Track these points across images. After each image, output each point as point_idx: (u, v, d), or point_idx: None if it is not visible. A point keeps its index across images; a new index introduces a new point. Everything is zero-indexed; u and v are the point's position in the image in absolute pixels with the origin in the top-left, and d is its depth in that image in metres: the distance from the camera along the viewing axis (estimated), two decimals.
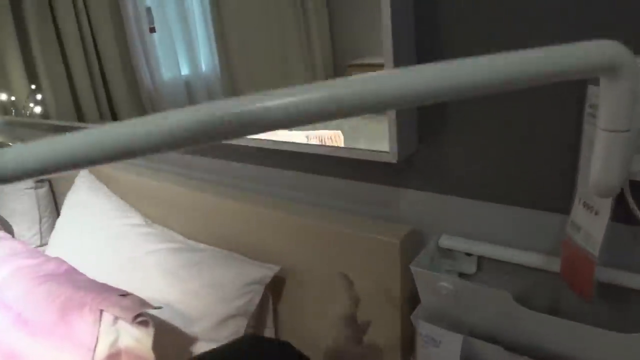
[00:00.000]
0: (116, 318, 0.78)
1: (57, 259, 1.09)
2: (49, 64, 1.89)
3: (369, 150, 0.80)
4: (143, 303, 0.80)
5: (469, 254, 0.66)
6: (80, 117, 1.87)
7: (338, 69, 1.45)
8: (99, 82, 1.79)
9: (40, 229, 1.55)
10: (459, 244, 0.67)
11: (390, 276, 0.74)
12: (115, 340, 0.76)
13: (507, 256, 0.62)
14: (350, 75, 1.01)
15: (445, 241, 0.68)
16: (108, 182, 1.45)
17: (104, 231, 1.22)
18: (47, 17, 1.82)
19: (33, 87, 1.95)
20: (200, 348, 0.83)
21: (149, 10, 1.72)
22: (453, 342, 0.60)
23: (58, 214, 1.64)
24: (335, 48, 1.44)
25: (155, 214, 1.33)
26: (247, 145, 1.08)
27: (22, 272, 1.05)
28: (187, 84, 1.73)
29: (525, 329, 0.58)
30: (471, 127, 0.64)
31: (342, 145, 1.08)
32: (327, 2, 1.42)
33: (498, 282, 0.63)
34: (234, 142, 1.08)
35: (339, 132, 1.11)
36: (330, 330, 0.89)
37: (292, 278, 0.94)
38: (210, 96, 1.71)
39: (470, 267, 0.66)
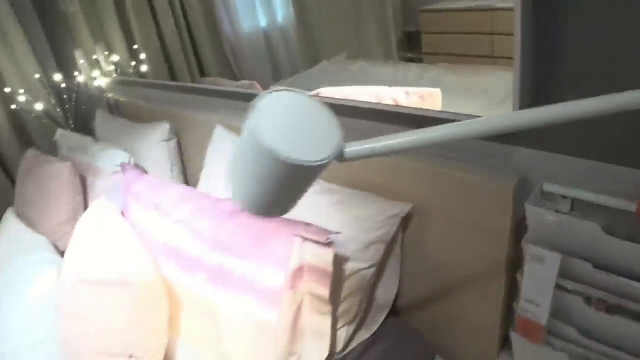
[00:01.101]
0: (304, 240, 1.02)
1: (228, 199, 1.27)
2: (142, 23, 2.06)
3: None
4: (326, 230, 1.03)
5: (565, 197, 0.87)
6: (172, 71, 2.07)
7: (409, 14, 1.55)
8: (187, 38, 1.96)
9: (171, 175, 1.79)
10: (558, 189, 0.89)
11: (504, 212, 0.96)
12: (302, 257, 1.01)
13: (594, 199, 0.82)
14: (426, 20, 1.25)
15: (548, 187, 0.90)
16: None
17: None
18: None
19: (135, 47, 2.14)
20: (350, 265, 1.09)
21: None
22: (553, 259, 0.81)
23: (182, 163, 1.91)
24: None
25: None
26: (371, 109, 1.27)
27: (203, 209, 1.26)
28: (266, 35, 1.87)
29: (609, 253, 0.79)
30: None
31: (440, 103, 1.26)
32: None
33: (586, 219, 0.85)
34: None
35: (439, 91, 1.27)
36: (450, 255, 1.14)
37: (419, 215, 1.15)
38: (287, 42, 1.85)
39: (566, 207, 0.87)
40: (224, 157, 1.51)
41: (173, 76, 2.07)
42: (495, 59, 1.36)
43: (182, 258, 1.24)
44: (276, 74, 1.87)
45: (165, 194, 1.40)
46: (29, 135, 2.57)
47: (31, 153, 1.91)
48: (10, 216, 1.71)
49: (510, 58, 1.35)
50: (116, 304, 1.14)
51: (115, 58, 2.22)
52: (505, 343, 1.11)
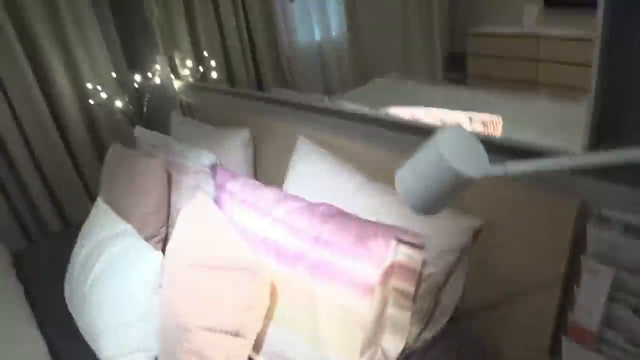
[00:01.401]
0: (398, 243, 1.14)
1: (323, 203, 1.37)
2: (208, 28, 2.24)
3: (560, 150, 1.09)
4: (419, 234, 1.15)
5: (619, 220, 0.97)
6: (230, 77, 2.22)
7: (456, 35, 1.58)
8: (247, 48, 2.11)
9: None
10: (614, 214, 0.98)
11: (565, 231, 1.08)
12: (394, 257, 1.13)
13: None
14: (473, 43, 1.32)
15: (606, 212, 0.99)
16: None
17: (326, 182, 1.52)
18: None
19: (205, 53, 2.31)
20: (428, 269, 1.19)
21: None
22: (607, 273, 0.92)
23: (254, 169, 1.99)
24: (454, 15, 1.57)
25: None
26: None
27: (301, 210, 1.36)
28: (320, 47, 1.97)
29: None
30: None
31: (500, 130, 1.32)
32: None
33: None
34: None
35: (499, 118, 1.32)
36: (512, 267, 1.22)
37: (487, 229, 1.24)
38: (339, 56, 1.93)
39: (620, 229, 0.97)
40: (308, 167, 1.59)
41: (231, 82, 2.21)
42: (538, 85, 1.38)
43: (282, 252, 1.33)
44: (327, 86, 1.96)
45: (260, 194, 1.49)
46: (97, 129, 2.84)
47: (117, 147, 2.05)
48: (101, 204, 1.84)
49: (553, 85, 1.37)
50: (231, 286, 1.27)
51: (189, 63, 2.40)
52: (554, 348, 1.19)
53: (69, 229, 2.34)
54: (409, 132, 1.43)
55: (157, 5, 2.35)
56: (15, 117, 2.50)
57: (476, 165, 0.67)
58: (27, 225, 2.64)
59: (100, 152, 2.88)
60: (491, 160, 0.69)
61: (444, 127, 0.72)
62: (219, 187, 1.61)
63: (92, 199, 2.84)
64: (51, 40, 2.54)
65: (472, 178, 0.66)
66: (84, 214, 2.62)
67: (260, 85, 2.12)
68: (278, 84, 2.05)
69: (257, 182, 1.60)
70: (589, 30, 0.97)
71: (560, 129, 1.28)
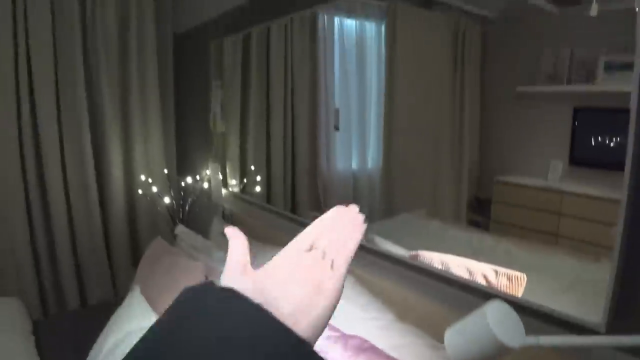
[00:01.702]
0: None
1: (356, 336, 1.37)
2: (258, 149, 2.44)
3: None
4: None
5: None
6: (269, 195, 2.36)
7: (483, 181, 1.63)
8: (289, 169, 2.26)
9: None
10: None
11: None
12: None
13: None
14: (498, 190, 1.37)
15: None
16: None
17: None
18: (262, 115, 2.38)
19: (252, 167, 2.48)
20: None
21: (337, 111, 2.12)
22: None
23: None
24: (483, 162, 1.63)
25: None
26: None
27: (333, 339, 1.37)
28: (354, 176, 2.08)
29: None
30: None
31: (523, 286, 1.30)
32: (480, 121, 1.62)
33: None
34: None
35: (524, 275, 1.31)
36: None
37: None
38: (371, 187, 2.02)
39: None
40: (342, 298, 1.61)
41: (268, 197, 2.34)
42: (559, 238, 1.38)
43: None
44: None
45: None
46: (136, 219, 2.99)
47: (160, 241, 2.15)
48: (137, 294, 1.87)
49: (574, 240, 1.36)
50: None
51: (236, 174, 2.57)
52: None
53: (88, 308, 2.41)
54: (439, 280, 1.44)
55: (219, 118, 2.60)
56: (67, 195, 2.68)
57: (515, 336, 0.77)
58: (47, 297, 2.70)
59: (133, 240, 3.00)
60: (526, 329, 0.78)
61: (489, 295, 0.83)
62: None
63: (115, 284, 2.93)
64: (117, 131, 2.81)
65: (512, 348, 0.75)
66: (103, 296, 2.69)
67: (294, 205, 2.22)
68: (311, 206, 2.15)
69: None
70: (611, 190, 1.00)
71: (580, 285, 1.24)
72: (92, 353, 1.72)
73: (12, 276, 2.56)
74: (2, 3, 2.35)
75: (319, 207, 2.11)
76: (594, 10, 1.24)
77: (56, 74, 2.55)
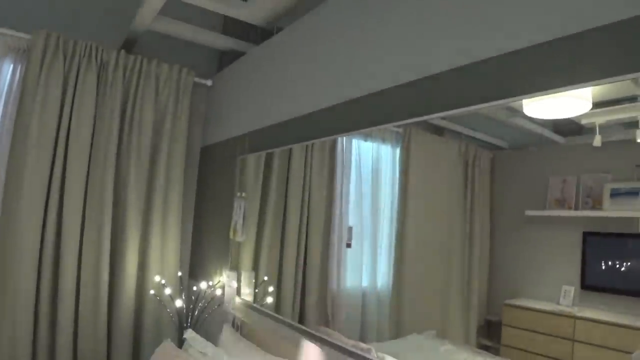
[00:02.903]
0: None
1: None
2: (272, 260, 2.46)
3: None
4: None
5: None
6: (278, 305, 2.33)
7: (493, 304, 1.60)
8: (300, 283, 2.25)
9: None
10: None
11: None
12: None
13: None
14: (508, 313, 1.36)
15: None
16: None
17: None
18: (278, 228, 2.44)
19: (265, 278, 2.48)
20: None
21: (350, 229, 2.17)
22: None
23: None
24: (493, 285, 1.61)
25: None
26: None
27: None
28: (364, 293, 2.05)
29: None
30: None
31: None
32: (490, 244, 1.64)
33: None
34: None
35: None
36: None
37: None
38: (380, 305, 1.98)
39: None
40: None
41: (278, 309, 2.29)
42: None
43: None
44: (364, 332, 1.96)
45: None
46: (141, 319, 2.93)
47: (169, 345, 2.12)
48: None
49: None
50: None
51: (250, 284, 2.56)
52: None
53: None
54: None
55: (240, 228, 2.66)
56: (78, 290, 2.69)
57: None
58: None
59: (135, 341, 2.93)
60: None
61: None
62: None
63: None
64: (137, 229, 2.88)
65: None
66: None
67: (301, 319, 2.17)
68: (320, 320, 2.10)
69: None
70: (624, 316, 0.99)
71: None
72: None
73: None
74: (53, 97, 2.60)
75: (327, 323, 2.06)
76: (597, 142, 1.32)
77: (88, 167, 2.72)
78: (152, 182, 2.96)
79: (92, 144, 2.74)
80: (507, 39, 1.36)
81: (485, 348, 1.57)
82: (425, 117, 1.63)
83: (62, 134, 2.63)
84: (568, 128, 1.42)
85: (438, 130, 1.82)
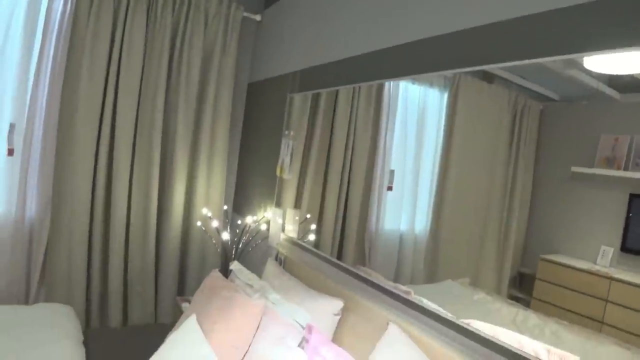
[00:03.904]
0: None
1: None
2: (314, 200, 2.53)
3: None
4: None
5: None
6: (318, 242, 2.41)
7: (528, 257, 1.61)
8: (340, 222, 2.32)
9: None
10: None
11: None
12: None
13: None
14: (543, 268, 1.35)
15: None
16: None
17: None
18: (322, 168, 2.49)
19: (308, 216, 2.55)
20: None
21: (392, 172, 2.18)
22: None
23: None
24: (530, 238, 1.61)
25: None
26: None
27: None
28: (402, 237, 2.10)
29: None
30: None
31: None
32: (531, 197, 1.62)
33: None
34: None
35: (577, 358, 1.23)
36: None
37: None
38: (417, 249, 2.03)
39: None
40: (396, 354, 1.60)
41: (317, 246, 2.38)
42: (603, 325, 1.34)
43: None
44: (398, 274, 2.03)
45: None
46: (187, 250, 3.11)
47: (217, 274, 2.22)
48: (194, 322, 1.91)
49: (619, 329, 1.31)
50: None
51: (294, 220, 2.66)
52: None
53: (129, 327, 2.52)
54: (494, 349, 1.41)
55: (287, 166, 2.72)
56: (128, 218, 2.86)
57: None
58: (91, 310, 2.83)
59: (181, 270, 3.12)
60: None
61: None
62: (313, 348, 1.67)
63: (157, 308, 3.03)
64: (184, 162, 3.00)
65: None
66: (143, 318, 2.77)
67: (339, 256, 2.26)
68: (357, 260, 2.18)
69: (348, 354, 1.65)
70: None
71: None
72: None
73: (64, 287, 2.72)
74: (103, 31, 2.66)
75: (364, 263, 2.14)
76: None
77: (139, 101, 2.82)
78: (199, 116, 3.03)
79: (142, 79, 2.81)
80: None
81: (516, 299, 1.60)
82: (484, 67, 1.54)
83: (113, 68, 2.70)
84: (625, 83, 1.34)
85: (488, 77, 1.76)
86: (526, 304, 1.55)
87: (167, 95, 2.92)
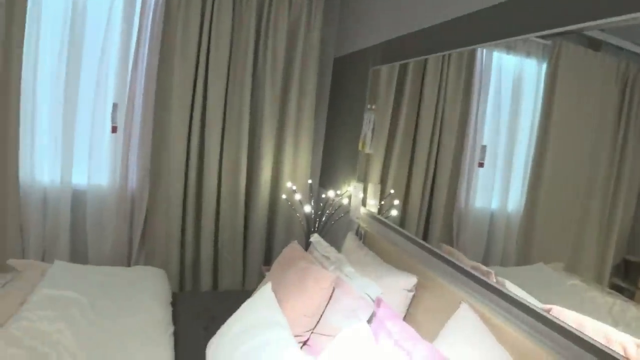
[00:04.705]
0: None
1: None
2: (400, 175, 2.49)
3: None
4: None
5: None
6: (403, 220, 2.40)
7: (636, 243, 1.47)
8: (426, 199, 2.26)
9: None
10: None
11: None
12: None
13: None
14: None
15: None
16: None
17: None
18: (409, 142, 2.43)
19: (392, 191, 2.54)
20: None
21: (483, 147, 2.08)
22: None
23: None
24: (638, 223, 1.47)
25: None
26: None
27: None
28: (492, 216, 2.01)
29: None
30: None
31: None
32: None
33: None
34: None
35: None
36: None
37: None
38: (508, 230, 1.93)
39: None
40: (464, 334, 1.61)
41: (402, 223, 2.36)
42: None
43: None
44: (487, 255, 1.95)
45: (415, 345, 1.52)
46: (273, 220, 3.22)
47: (296, 246, 2.31)
48: (269, 290, 1.98)
49: None
50: None
51: (376, 195, 2.64)
52: None
53: (218, 293, 2.66)
54: (572, 340, 1.36)
55: (369, 140, 2.71)
56: (219, 191, 3.01)
57: None
58: (184, 274, 3.03)
59: (267, 240, 3.24)
60: None
61: None
62: (379, 321, 1.70)
63: (244, 276, 3.16)
64: (272, 137, 3.08)
65: None
66: (232, 285, 2.89)
67: (425, 234, 2.22)
68: (443, 238, 2.13)
69: (413, 329, 1.65)
70: None
71: None
72: (219, 332, 1.88)
73: (161, 252, 2.94)
74: (194, 10, 2.77)
75: (451, 242, 2.08)
76: None
77: (227, 77, 2.92)
78: (286, 92, 3.09)
79: (230, 58, 2.90)
80: None
81: (619, 289, 1.48)
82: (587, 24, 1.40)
83: (203, 49, 2.82)
84: None
85: (594, 44, 1.60)
86: (630, 295, 1.43)
87: (254, 73, 3.00)
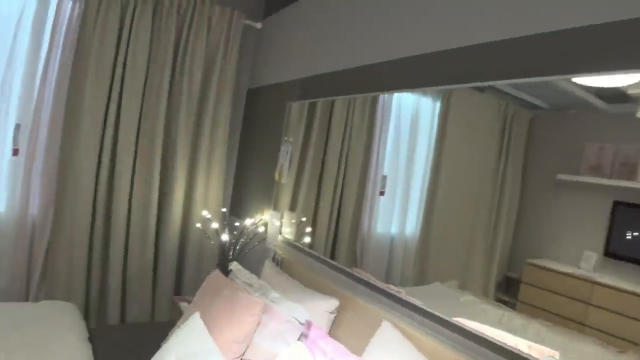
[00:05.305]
0: None
1: None
2: (309, 202, 2.58)
3: None
4: None
5: None
6: (312, 244, 2.46)
7: (514, 261, 1.65)
8: (333, 225, 2.36)
9: None
10: None
11: None
12: None
13: None
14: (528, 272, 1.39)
15: None
16: None
17: None
18: (317, 172, 2.53)
19: (304, 219, 2.60)
20: None
21: (384, 177, 2.23)
22: None
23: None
24: (516, 243, 1.65)
25: None
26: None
27: None
28: (392, 240, 2.14)
29: None
30: None
31: None
32: (519, 203, 1.66)
33: None
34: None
35: (557, 353, 1.32)
36: None
37: None
38: (407, 252, 2.07)
39: None
40: (389, 348, 1.66)
41: (311, 248, 2.43)
42: (585, 327, 1.37)
43: None
44: (388, 276, 2.07)
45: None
46: (184, 250, 3.16)
47: (218, 274, 2.28)
48: (198, 319, 1.96)
49: (600, 331, 1.35)
50: None
51: (291, 223, 2.69)
52: None
53: (128, 325, 2.55)
54: (478, 342, 1.49)
55: (285, 171, 2.77)
56: (129, 218, 2.91)
57: None
58: (90, 307, 2.86)
59: (178, 269, 3.16)
60: None
61: None
62: (311, 341, 1.75)
63: (154, 308, 3.05)
64: (184, 165, 3.05)
65: None
66: (141, 316, 2.76)
67: (332, 257, 2.31)
68: (349, 262, 2.22)
69: (344, 347, 1.72)
70: None
71: None
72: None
73: (64, 283, 2.75)
74: (110, 32, 2.72)
75: (356, 265, 2.17)
76: None
77: (142, 102, 2.87)
78: (200, 119, 3.09)
79: (145, 82, 2.86)
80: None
81: (502, 302, 1.64)
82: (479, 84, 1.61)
83: (118, 71, 2.76)
84: (611, 94, 1.39)
85: (479, 87, 1.81)
86: (512, 307, 1.59)
87: (170, 98, 2.98)
